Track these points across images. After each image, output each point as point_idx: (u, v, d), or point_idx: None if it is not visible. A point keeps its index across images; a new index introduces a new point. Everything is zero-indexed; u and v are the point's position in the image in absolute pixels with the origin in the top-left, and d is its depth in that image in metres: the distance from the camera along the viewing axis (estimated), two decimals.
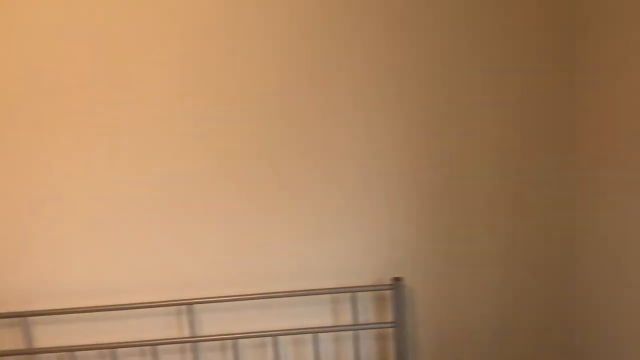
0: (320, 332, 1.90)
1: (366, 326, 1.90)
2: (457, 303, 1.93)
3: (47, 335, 1.95)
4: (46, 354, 1.95)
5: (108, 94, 1.81)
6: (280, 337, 1.93)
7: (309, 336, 1.94)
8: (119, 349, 1.95)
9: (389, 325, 1.89)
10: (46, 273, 1.91)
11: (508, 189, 1.86)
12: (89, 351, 1.95)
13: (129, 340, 1.94)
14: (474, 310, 1.93)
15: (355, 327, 1.89)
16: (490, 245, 1.89)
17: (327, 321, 1.94)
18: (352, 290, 1.87)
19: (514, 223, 1.88)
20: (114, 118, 1.82)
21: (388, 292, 1.92)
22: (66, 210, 1.87)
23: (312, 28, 1.77)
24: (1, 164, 1.84)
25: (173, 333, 1.96)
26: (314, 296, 1.91)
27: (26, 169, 1.85)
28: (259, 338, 1.94)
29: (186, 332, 1.95)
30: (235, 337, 1.89)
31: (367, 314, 1.94)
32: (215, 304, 1.92)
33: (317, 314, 1.94)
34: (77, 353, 1.95)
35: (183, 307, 1.93)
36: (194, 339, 1.91)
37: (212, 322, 1.94)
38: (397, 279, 1.85)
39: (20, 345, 1.95)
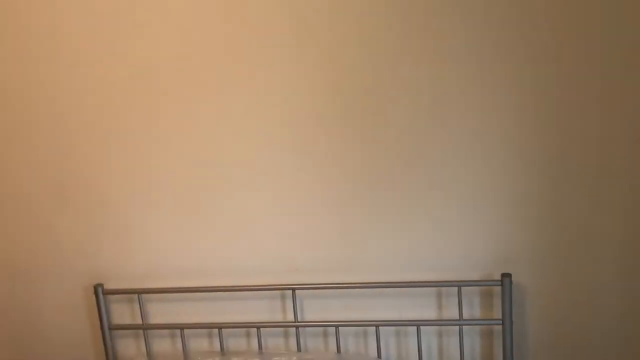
0: (425, 325, 1.87)
1: (472, 322, 1.85)
2: (573, 304, 1.83)
3: (160, 311, 2.06)
4: (159, 330, 2.06)
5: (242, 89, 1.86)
6: (383, 328, 1.92)
7: (412, 328, 1.91)
8: (225, 329, 2.02)
9: (495, 322, 1.83)
10: (161, 253, 2.01)
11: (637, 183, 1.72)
12: (198, 329, 2.04)
13: (235, 320, 2.00)
14: (592, 313, 1.82)
15: (461, 322, 1.84)
16: (615, 244, 1.76)
17: (431, 314, 1.91)
18: (458, 284, 1.82)
19: None
20: (242, 107, 1.87)
21: (496, 288, 1.86)
22: (180, 194, 1.95)
23: (439, 25, 1.72)
24: (122, 143, 1.95)
25: (277, 316, 2.00)
26: (419, 288, 1.88)
27: (144, 149, 1.95)
28: (362, 327, 1.94)
29: (290, 317, 1.98)
30: (338, 325, 1.91)
31: (473, 310, 1.88)
32: (320, 290, 1.93)
33: (421, 307, 1.91)
34: (187, 330, 2.04)
35: (287, 291, 1.96)
36: (298, 323, 1.94)
37: (315, 308, 1.97)
38: (505, 275, 1.78)
39: (137, 320, 2.07)
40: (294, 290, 1.93)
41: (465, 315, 1.87)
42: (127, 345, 2.11)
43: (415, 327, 1.89)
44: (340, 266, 1.92)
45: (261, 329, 1.98)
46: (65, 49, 1.91)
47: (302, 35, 1.78)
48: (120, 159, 1.96)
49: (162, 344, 2.08)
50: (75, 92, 1.94)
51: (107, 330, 2.05)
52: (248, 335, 2.03)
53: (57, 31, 1.90)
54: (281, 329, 2.00)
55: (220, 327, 1.99)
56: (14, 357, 2.19)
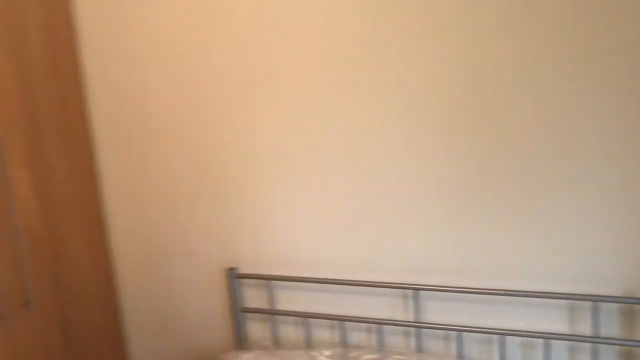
0: (555, 339, 1.77)
1: (609, 341, 1.71)
2: None
3: (288, 298, 2.15)
4: (285, 316, 2.16)
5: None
6: (508, 337, 1.84)
7: (540, 341, 1.82)
8: (347, 322, 2.06)
9: (636, 344, 1.68)
10: (294, 243, 2.09)
11: None
12: (321, 320, 2.10)
13: (357, 314, 2.04)
14: None
15: (596, 339, 1.72)
16: None
17: (561, 328, 1.80)
18: (595, 299, 1.70)
19: None
20: (379, 110, 1.91)
21: (637, 306, 1.71)
22: (316, 189, 2.02)
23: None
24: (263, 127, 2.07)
25: (398, 315, 2.00)
26: (550, 300, 1.78)
27: (285, 143, 2.04)
28: (486, 334, 1.88)
29: (411, 316, 1.98)
30: (460, 329, 1.87)
31: (610, 327, 1.75)
32: (443, 292, 1.91)
33: (550, 319, 1.80)
34: (310, 319, 2.11)
35: (409, 291, 1.95)
36: (419, 324, 1.93)
37: (437, 310, 1.94)
38: None
39: (266, 304, 2.18)
40: (416, 290, 1.92)
41: (603, 333, 1.74)
42: (256, 327, 2.23)
43: (544, 340, 1.79)
44: (466, 269, 1.87)
45: (382, 325, 2.00)
46: (214, 45, 2.06)
47: (428, 33, 1.77)
48: (261, 151, 2.07)
49: (288, 330, 2.17)
50: (224, 85, 2.07)
51: (237, 313, 2.18)
52: (369, 330, 2.05)
53: (211, 26, 2.06)
54: (401, 328, 2.00)
55: (342, 319, 2.04)
56: (158, 329, 2.40)
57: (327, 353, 1.98)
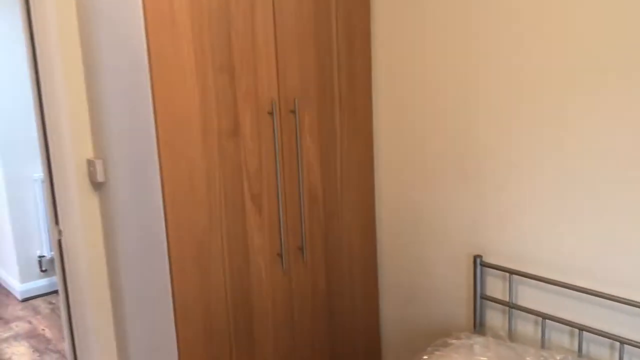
0: None
1: None
2: None
3: (528, 294, 2.16)
4: (524, 313, 2.17)
5: None
6: None
7: None
8: (587, 333, 1.98)
9: None
10: (541, 241, 2.09)
11: None
12: (559, 323, 2.06)
13: (600, 327, 1.95)
14: None
15: None
16: None
17: None
18: None
19: None
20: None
21: None
22: (572, 193, 1.98)
23: None
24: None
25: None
26: None
27: (547, 140, 2.04)
28: None
29: None
30: None
31: None
32: None
33: None
34: (549, 322, 2.09)
35: None
36: None
37: None
38: None
39: (505, 296, 2.23)
40: None
41: None
42: (493, 315, 2.29)
43: None
44: None
45: (625, 345, 1.87)
46: (488, 31, 2.15)
47: None
48: (521, 149, 2.10)
49: (523, 325, 2.19)
50: (488, 78, 2.16)
51: (478, 298, 2.28)
52: (611, 347, 1.94)
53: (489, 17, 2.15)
54: None
55: (581, 328, 1.97)
56: (407, 293, 2.65)
57: (558, 357, 1.94)
